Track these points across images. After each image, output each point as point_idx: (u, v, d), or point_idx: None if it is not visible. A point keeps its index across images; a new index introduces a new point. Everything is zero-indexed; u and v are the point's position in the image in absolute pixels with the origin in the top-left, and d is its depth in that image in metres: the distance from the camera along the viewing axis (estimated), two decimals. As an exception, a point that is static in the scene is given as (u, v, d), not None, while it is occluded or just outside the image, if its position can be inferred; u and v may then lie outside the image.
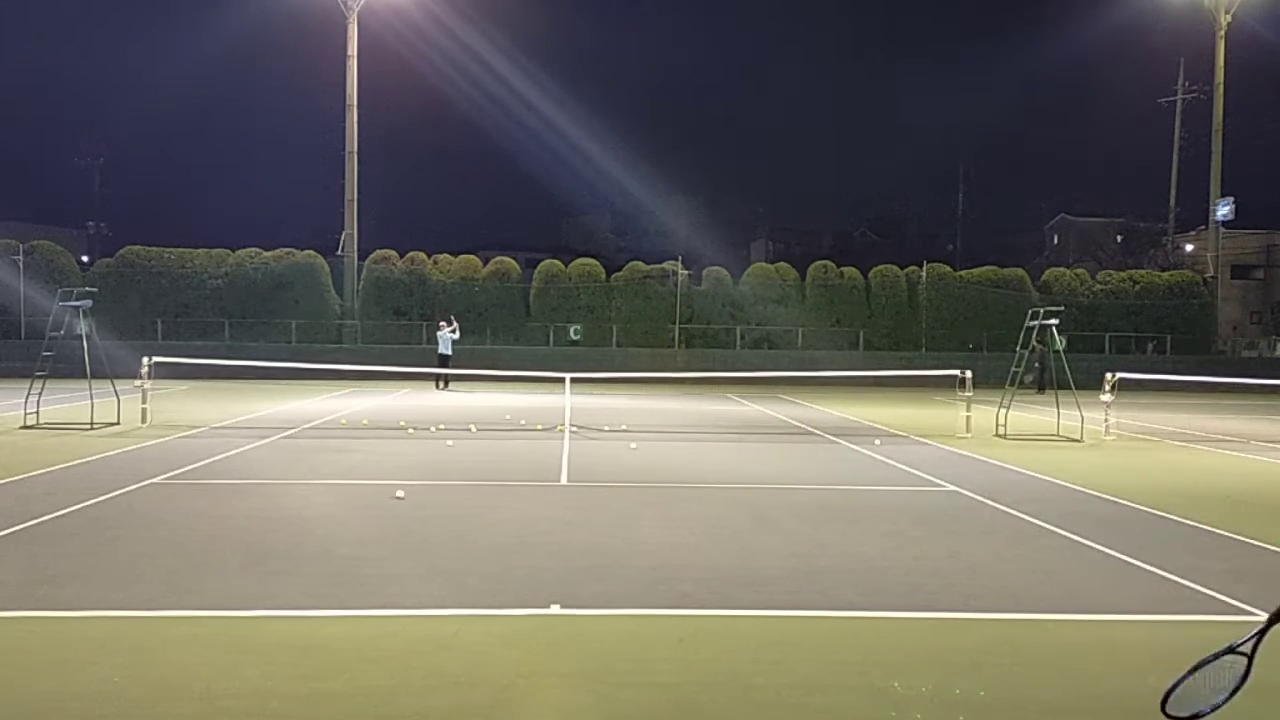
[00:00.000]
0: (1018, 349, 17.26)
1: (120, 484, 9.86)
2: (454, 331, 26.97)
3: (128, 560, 6.82)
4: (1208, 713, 1.85)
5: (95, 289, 18.61)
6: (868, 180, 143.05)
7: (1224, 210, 37.36)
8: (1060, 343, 16.91)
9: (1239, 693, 1.87)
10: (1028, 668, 4.90)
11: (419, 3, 35.52)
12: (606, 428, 16.61)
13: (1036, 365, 27.41)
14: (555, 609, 5.73)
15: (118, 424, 15.22)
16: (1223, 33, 36.18)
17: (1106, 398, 16.43)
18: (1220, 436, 17.10)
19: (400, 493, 9.43)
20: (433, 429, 15.87)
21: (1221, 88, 36.89)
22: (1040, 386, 27.29)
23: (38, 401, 15.28)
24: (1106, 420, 16.40)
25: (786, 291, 35.68)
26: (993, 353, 32.28)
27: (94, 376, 15.11)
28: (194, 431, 14.94)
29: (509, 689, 4.48)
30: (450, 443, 14.05)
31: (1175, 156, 48.44)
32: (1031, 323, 16.73)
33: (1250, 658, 1.88)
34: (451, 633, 5.29)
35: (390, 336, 33.75)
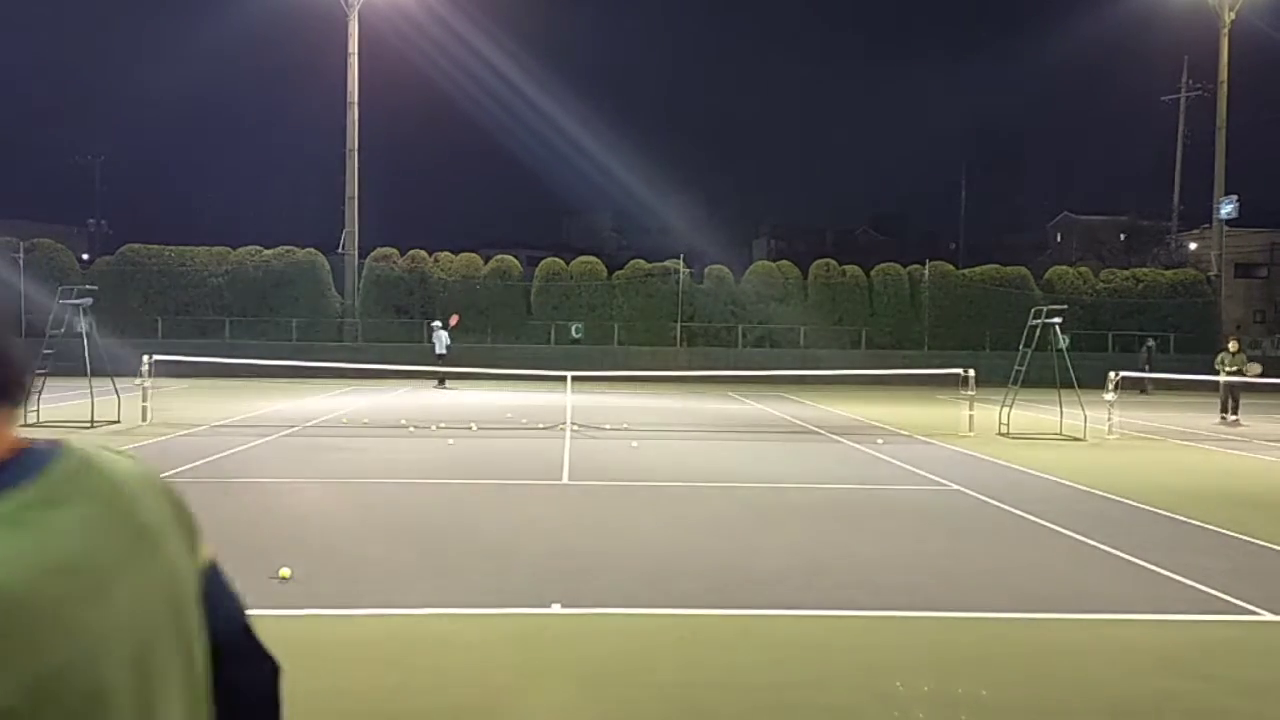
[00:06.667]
0: (1021, 347, 17.22)
1: (120, 482, 9.82)
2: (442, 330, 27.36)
3: (127, 558, 6.79)
4: None
5: (95, 287, 18.58)
6: (870, 179, 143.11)
7: (1228, 208, 37.26)
8: (1063, 341, 16.85)
9: None
10: (1030, 667, 4.87)
11: (420, 0, 35.49)
12: (608, 426, 16.59)
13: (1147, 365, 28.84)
14: (556, 608, 5.71)
15: (118, 422, 15.21)
16: (1226, 30, 36.09)
17: (1110, 396, 16.40)
18: (1224, 435, 17.06)
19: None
20: (433, 427, 15.84)
21: (1225, 86, 36.77)
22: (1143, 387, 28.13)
23: (38, 399, 15.25)
24: (1109, 419, 16.37)
25: (788, 290, 35.62)
26: (995, 351, 32.22)
27: (94, 374, 15.11)
28: (194, 430, 14.93)
29: (509, 688, 4.46)
30: (451, 441, 14.03)
31: (1179, 154, 48.36)
32: (1034, 321, 16.69)
33: None
34: (452, 632, 5.27)
35: (391, 334, 33.72)
